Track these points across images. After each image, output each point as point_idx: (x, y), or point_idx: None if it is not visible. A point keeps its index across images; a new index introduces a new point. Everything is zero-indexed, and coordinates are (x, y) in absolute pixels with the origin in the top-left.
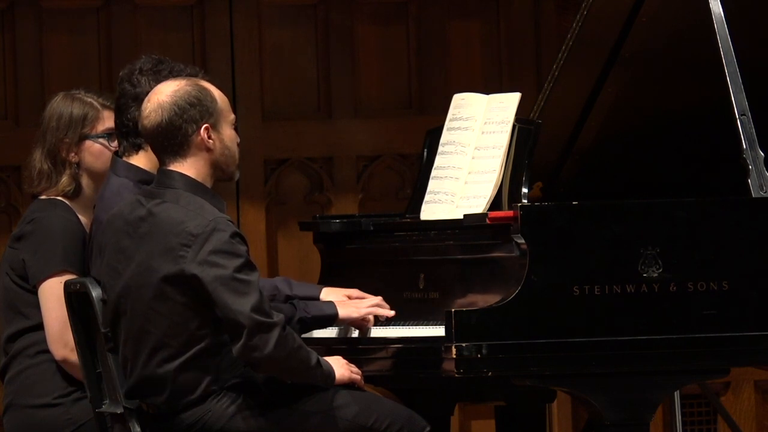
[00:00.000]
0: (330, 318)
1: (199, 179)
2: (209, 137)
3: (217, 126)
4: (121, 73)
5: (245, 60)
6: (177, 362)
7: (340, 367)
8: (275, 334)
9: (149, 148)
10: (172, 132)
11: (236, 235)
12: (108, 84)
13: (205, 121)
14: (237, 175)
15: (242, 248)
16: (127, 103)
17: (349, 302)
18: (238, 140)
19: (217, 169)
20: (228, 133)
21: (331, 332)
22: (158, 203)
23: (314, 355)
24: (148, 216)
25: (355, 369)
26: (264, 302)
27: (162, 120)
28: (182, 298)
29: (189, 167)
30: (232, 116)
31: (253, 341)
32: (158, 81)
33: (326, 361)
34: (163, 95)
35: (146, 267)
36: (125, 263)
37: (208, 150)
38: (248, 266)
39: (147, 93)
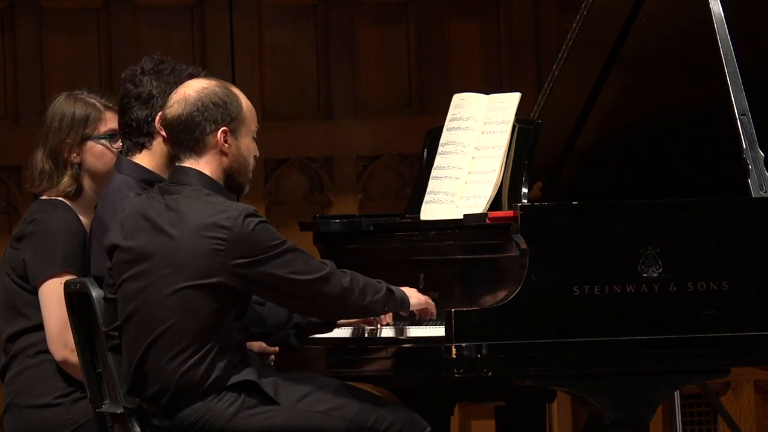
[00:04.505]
0: (327, 324)
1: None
2: (225, 141)
3: (236, 132)
4: (123, 74)
5: (245, 60)
6: (178, 361)
7: (414, 296)
8: (336, 281)
9: (153, 148)
10: (190, 126)
11: (263, 222)
12: (108, 84)
13: (225, 124)
14: (246, 189)
15: (271, 229)
16: (129, 103)
17: None
18: (257, 154)
19: (228, 176)
20: (246, 143)
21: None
22: (178, 199)
23: (383, 285)
24: (168, 212)
25: (429, 299)
26: (308, 260)
27: (183, 113)
28: (205, 298)
29: (204, 166)
30: (255, 127)
31: (320, 299)
32: (160, 80)
33: (399, 290)
34: (191, 89)
35: (168, 264)
36: (142, 262)
37: (223, 153)
38: (281, 242)
39: (149, 92)
